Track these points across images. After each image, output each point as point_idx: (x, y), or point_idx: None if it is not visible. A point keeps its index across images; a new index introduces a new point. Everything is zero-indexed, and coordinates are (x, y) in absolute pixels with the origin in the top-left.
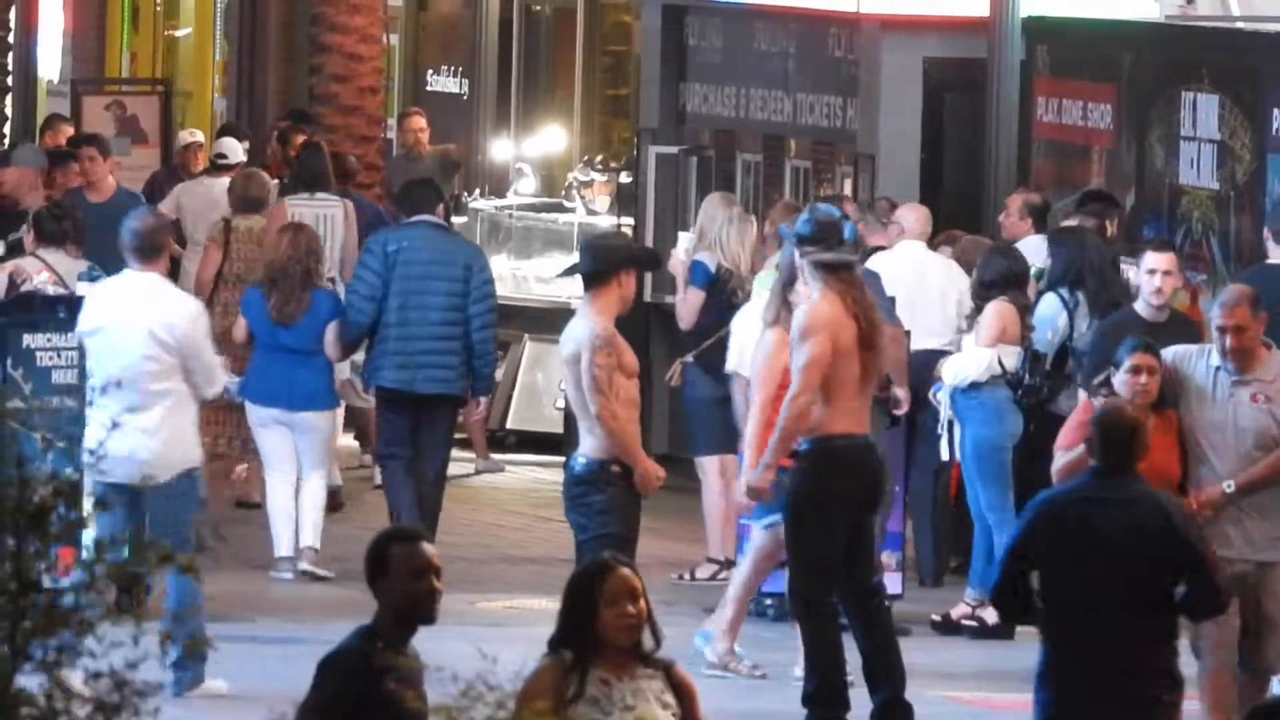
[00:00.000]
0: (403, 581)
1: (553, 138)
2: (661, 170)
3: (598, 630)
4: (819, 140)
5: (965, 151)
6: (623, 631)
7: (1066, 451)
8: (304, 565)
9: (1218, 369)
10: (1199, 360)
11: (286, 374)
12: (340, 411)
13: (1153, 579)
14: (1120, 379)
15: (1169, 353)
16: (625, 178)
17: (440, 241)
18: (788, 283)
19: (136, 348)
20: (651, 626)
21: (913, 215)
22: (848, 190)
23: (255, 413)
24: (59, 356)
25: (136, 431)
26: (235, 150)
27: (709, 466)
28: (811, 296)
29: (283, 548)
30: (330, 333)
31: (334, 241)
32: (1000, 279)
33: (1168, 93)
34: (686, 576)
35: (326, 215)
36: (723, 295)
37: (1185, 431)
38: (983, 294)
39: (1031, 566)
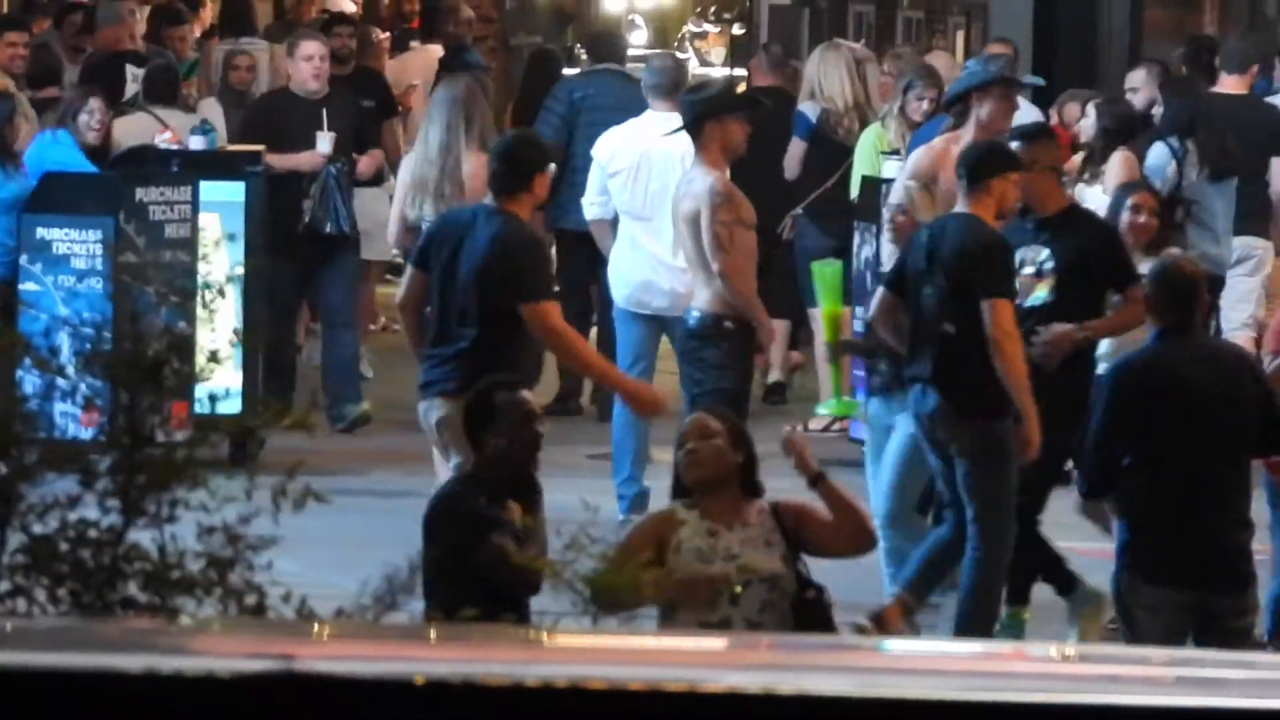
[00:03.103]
0: (510, 429)
1: None
2: (774, 22)
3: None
4: None
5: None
6: (689, 468)
7: (1275, 357)
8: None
9: None
10: None
11: None
12: None
13: (1247, 425)
14: None
15: None
16: (739, 29)
17: (623, 89)
18: None
19: (670, 185)
20: (746, 468)
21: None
22: (959, 41)
23: None
24: (171, 210)
25: (671, 267)
26: None
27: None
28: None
29: None
30: None
31: None
32: (1121, 127)
33: None
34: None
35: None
36: (828, 145)
37: None
38: (1106, 142)
39: (1127, 442)
